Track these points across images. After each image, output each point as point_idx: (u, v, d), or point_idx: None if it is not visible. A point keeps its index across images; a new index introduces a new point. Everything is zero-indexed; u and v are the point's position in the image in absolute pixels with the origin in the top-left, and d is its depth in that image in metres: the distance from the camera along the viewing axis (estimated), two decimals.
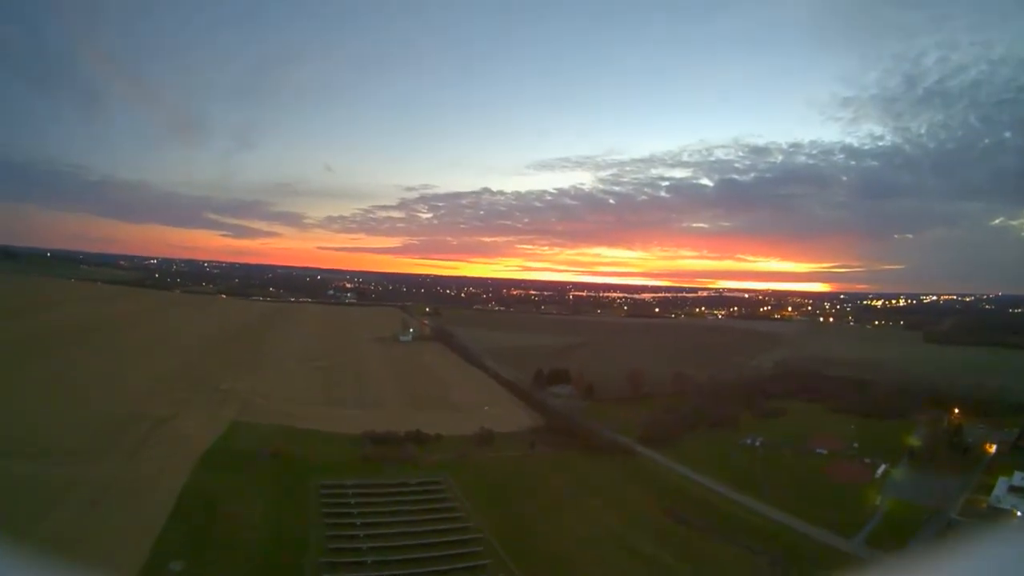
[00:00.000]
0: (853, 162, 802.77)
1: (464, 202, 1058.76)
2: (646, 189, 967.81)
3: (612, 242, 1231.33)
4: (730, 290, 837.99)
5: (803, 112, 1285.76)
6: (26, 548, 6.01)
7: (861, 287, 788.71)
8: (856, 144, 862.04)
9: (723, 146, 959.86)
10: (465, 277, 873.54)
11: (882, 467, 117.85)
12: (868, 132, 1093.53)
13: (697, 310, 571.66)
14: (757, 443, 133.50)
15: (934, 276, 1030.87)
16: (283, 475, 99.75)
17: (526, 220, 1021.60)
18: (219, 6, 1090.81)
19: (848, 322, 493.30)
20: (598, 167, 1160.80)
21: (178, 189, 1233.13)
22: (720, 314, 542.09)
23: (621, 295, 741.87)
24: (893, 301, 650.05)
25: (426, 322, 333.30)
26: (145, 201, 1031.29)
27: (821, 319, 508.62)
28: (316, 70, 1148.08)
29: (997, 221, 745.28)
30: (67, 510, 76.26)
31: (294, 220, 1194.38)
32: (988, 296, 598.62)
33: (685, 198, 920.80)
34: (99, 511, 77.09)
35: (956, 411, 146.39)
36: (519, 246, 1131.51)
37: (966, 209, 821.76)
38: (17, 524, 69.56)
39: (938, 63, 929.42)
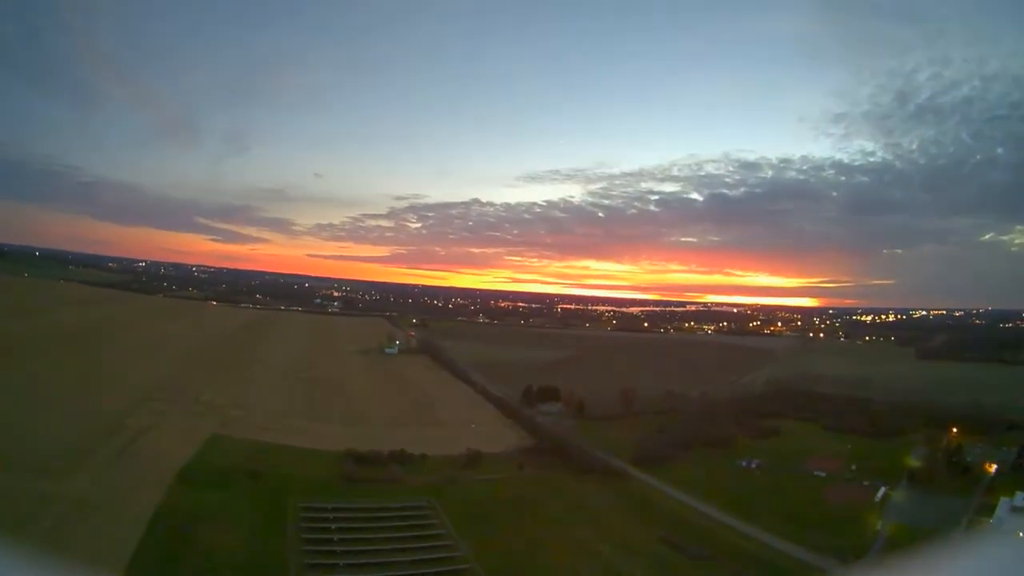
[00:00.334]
0: (843, 178, 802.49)
1: (453, 212, 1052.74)
2: (635, 203, 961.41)
3: (601, 255, 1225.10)
4: (718, 304, 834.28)
5: (794, 127, 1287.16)
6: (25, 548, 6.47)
7: (850, 302, 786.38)
8: (847, 160, 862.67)
9: (713, 161, 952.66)
10: (453, 288, 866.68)
11: (881, 490, 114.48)
12: (859, 148, 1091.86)
13: (686, 325, 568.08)
14: (753, 465, 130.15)
15: (923, 291, 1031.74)
16: (261, 495, 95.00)
17: (515, 232, 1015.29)
18: (214, 11, 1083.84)
19: (839, 338, 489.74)
20: (588, 180, 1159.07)
21: (168, 192, 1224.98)
22: (709, 329, 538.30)
23: (609, 308, 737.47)
24: (883, 316, 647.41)
25: (412, 333, 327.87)
26: (136, 203, 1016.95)
27: (811, 335, 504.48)
28: (308, 77, 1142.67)
29: (987, 236, 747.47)
30: (34, 531, 71.16)
31: (283, 227, 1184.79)
32: (978, 311, 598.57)
33: (674, 212, 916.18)
34: (64, 534, 72.32)
35: (954, 430, 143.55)
36: (508, 258, 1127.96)
37: (956, 225, 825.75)
38: None
39: (931, 79, 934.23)
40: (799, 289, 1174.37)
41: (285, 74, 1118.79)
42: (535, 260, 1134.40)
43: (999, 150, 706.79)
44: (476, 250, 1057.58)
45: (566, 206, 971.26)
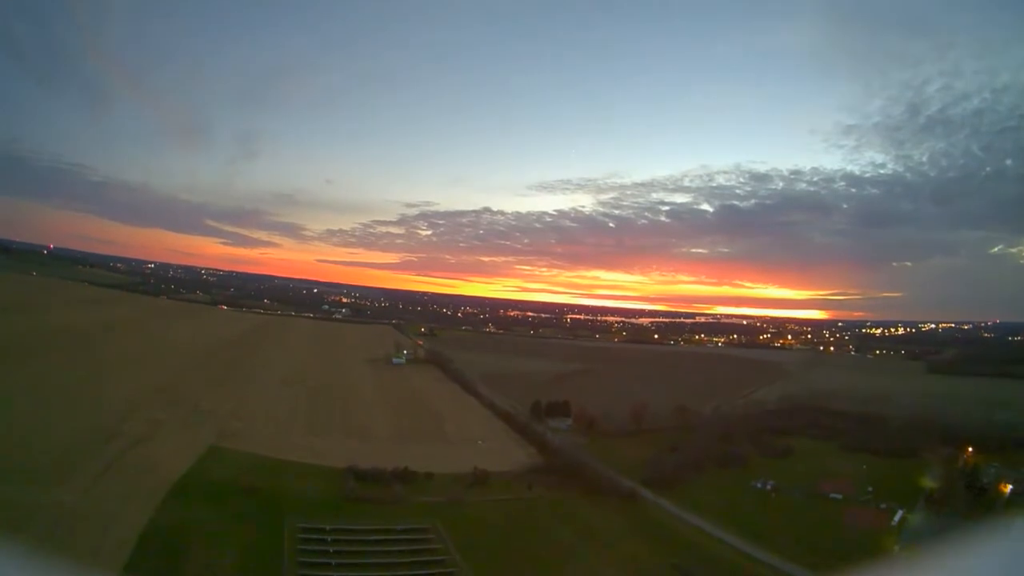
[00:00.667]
0: (854, 190, 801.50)
1: (464, 221, 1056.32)
2: (646, 213, 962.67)
3: (611, 265, 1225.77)
4: (728, 316, 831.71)
5: (805, 139, 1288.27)
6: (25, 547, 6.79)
7: (859, 315, 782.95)
8: (857, 172, 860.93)
9: (724, 172, 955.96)
10: (463, 296, 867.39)
11: (899, 513, 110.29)
12: (870, 160, 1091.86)
13: (696, 337, 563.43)
14: (768, 487, 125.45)
15: (932, 304, 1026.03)
16: (258, 513, 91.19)
17: (525, 241, 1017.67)
18: (227, 14, 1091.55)
19: (849, 351, 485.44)
20: (599, 190, 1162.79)
21: (179, 194, 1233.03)
22: (720, 341, 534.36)
23: (619, 319, 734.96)
24: (892, 330, 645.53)
25: (421, 342, 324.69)
26: (146, 204, 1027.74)
27: (822, 348, 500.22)
28: (321, 83, 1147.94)
29: (996, 249, 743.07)
30: (16, 542, 66.92)
31: (293, 231, 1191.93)
32: (987, 324, 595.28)
33: (685, 223, 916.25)
34: (49, 547, 68.43)
35: (970, 449, 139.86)
36: (518, 267, 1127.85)
37: (965, 237, 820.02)
38: None
39: (941, 91, 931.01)
40: (808, 301, 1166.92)
41: (297, 79, 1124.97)
42: (545, 269, 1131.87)
43: (1008, 162, 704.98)
44: (486, 258, 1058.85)
45: (577, 216, 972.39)
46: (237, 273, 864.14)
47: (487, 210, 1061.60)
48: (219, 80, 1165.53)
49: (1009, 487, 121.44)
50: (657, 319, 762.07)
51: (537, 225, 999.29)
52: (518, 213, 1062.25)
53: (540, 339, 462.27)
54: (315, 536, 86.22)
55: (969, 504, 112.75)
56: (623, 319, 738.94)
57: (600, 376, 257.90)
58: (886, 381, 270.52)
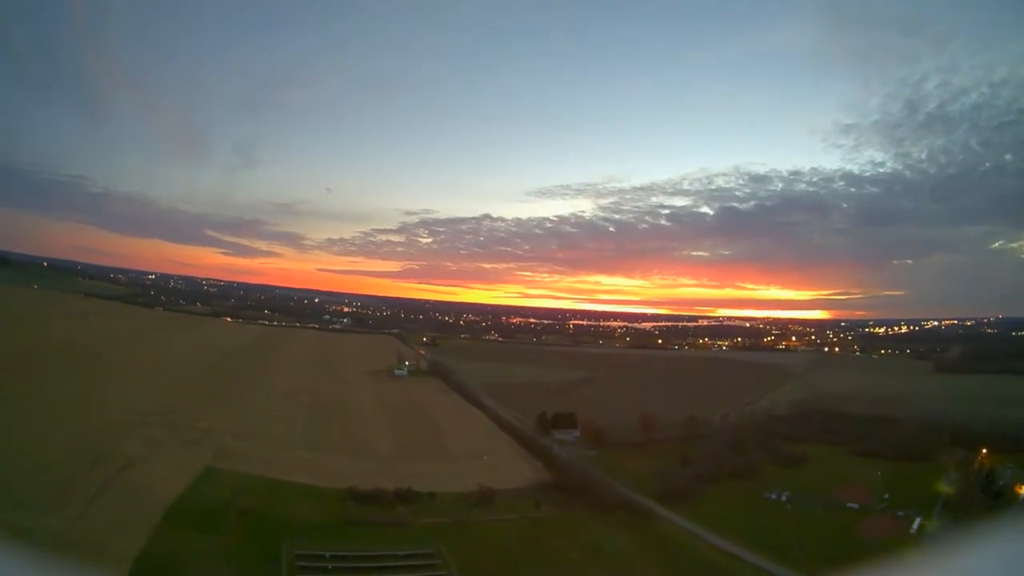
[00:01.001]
0: (853, 189, 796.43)
1: (464, 228, 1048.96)
2: (646, 217, 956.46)
3: (612, 270, 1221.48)
4: (730, 318, 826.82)
5: (804, 139, 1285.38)
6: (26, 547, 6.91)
7: (861, 314, 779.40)
8: (857, 171, 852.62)
9: (723, 174, 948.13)
10: (464, 303, 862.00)
11: (917, 520, 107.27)
12: (869, 159, 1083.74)
13: (701, 341, 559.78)
14: (783, 498, 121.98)
15: (934, 302, 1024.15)
16: (255, 538, 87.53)
17: (526, 247, 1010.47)
18: (224, 23, 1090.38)
19: (854, 352, 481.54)
20: (598, 195, 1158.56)
21: (179, 205, 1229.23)
22: (724, 345, 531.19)
23: (621, 324, 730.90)
24: (895, 328, 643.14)
25: (423, 352, 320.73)
26: (146, 215, 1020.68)
27: (826, 349, 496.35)
28: (318, 91, 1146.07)
29: (997, 244, 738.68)
30: None
31: (294, 241, 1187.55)
32: (989, 320, 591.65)
33: (685, 226, 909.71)
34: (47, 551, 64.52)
35: (984, 450, 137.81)
36: (519, 273, 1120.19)
37: (966, 233, 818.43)
38: None
39: (939, 87, 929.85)
40: (810, 302, 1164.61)
41: (295, 88, 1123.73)
42: (546, 275, 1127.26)
43: (1008, 156, 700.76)
44: (487, 265, 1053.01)
45: (577, 221, 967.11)
46: (238, 283, 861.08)
47: (487, 217, 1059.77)
48: (217, 90, 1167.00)
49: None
50: (660, 323, 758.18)
51: (537, 231, 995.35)
52: (518, 219, 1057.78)
53: (543, 346, 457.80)
54: (314, 563, 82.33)
55: (986, 508, 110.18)
56: (626, 324, 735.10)
57: (605, 384, 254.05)
58: (894, 382, 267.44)
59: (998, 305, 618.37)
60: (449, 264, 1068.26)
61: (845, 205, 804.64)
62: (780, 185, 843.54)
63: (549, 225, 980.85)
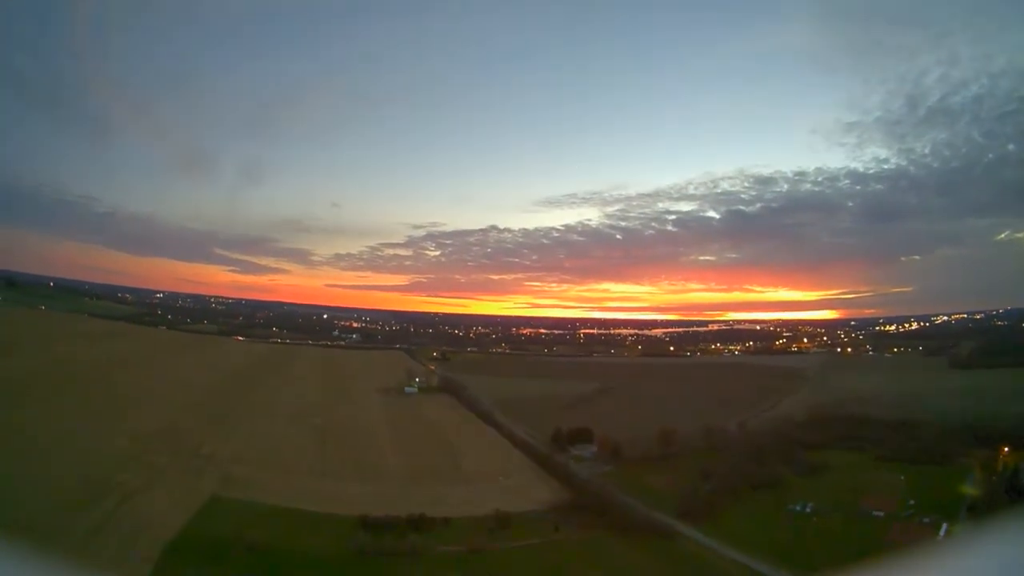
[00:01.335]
0: (859, 187, 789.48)
1: (471, 239, 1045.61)
2: (653, 223, 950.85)
3: (620, 277, 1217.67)
4: (740, 322, 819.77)
5: (808, 139, 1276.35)
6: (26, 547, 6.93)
7: (870, 312, 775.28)
8: (861, 169, 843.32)
9: (728, 177, 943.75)
10: (474, 315, 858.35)
11: (944, 527, 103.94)
12: (873, 156, 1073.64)
13: (712, 346, 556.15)
14: (808, 509, 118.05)
15: (943, 296, 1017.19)
16: (262, 573, 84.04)
17: (534, 257, 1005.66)
18: (229, 42, 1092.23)
19: (866, 351, 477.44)
20: (604, 203, 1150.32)
21: (186, 223, 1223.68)
22: (736, 349, 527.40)
23: (632, 331, 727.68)
24: (905, 325, 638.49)
25: (433, 367, 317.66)
26: (153, 234, 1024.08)
27: (839, 350, 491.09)
28: (323, 107, 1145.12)
29: (1003, 235, 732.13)
30: None
31: (301, 257, 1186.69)
32: (998, 311, 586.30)
33: (692, 231, 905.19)
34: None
35: (1006, 449, 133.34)
36: (527, 283, 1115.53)
37: (972, 226, 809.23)
38: None
39: (939, 81, 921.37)
40: (819, 302, 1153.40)
41: (300, 104, 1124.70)
42: (555, 285, 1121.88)
43: (1010, 146, 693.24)
44: (495, 276, 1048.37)
45: (584, 229, 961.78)
46: (246, 300, 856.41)
47: (494, 228, 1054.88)
48: (223, 109, 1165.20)
49: None
50: (670, 329, 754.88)
51: (545, 241, 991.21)
52: (525, 230, 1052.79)
53: (555, 357, 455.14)
54: None
55: (1012, 509, 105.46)
56: (636, 331, 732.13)
57: (619, 395, 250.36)
58: (910, 381, 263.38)
59: (1006, 297, 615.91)
60: (457, 276, 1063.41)
61: (851, 203, 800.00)
62: (785, 186, 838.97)
63: (556, 234, 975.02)
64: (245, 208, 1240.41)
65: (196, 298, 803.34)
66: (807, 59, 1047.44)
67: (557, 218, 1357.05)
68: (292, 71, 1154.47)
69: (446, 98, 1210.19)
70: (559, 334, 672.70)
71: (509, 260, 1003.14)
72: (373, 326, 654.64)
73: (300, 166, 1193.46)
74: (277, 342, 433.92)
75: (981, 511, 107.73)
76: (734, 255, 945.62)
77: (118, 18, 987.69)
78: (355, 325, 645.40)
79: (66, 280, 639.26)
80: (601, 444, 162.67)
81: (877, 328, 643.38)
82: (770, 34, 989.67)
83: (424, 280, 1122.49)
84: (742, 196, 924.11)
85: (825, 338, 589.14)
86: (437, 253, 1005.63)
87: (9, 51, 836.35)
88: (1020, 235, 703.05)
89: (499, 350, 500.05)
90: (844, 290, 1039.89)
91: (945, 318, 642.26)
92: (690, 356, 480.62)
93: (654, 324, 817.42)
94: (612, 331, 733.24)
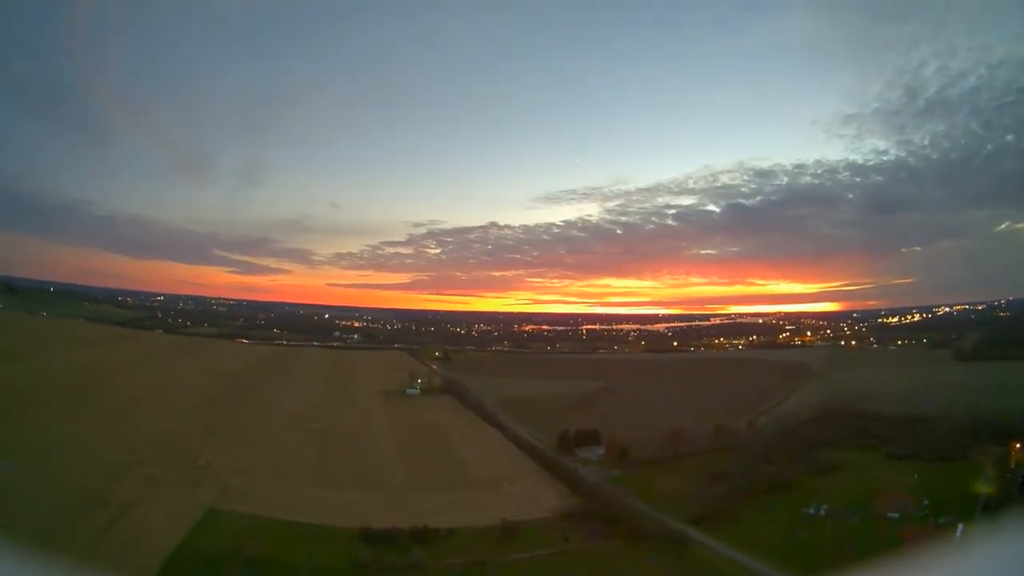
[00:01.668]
0: (858, 179, 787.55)
1: (472, 237, 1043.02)
2: (653, 218, 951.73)
3: (621, 272, 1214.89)
4: (742, 315, 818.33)
5: (807, 132, 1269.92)
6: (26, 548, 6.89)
7: (871, 304, 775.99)
8: (861, 160, 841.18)
9: (728, 171, 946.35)
10: (476, 312, 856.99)
11: (960, 527, 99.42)
12: (872, 147, 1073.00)
13: (716, 341, 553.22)
14: (823, 512, 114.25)
15: (944, 287, 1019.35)
16: None
17: (535, 253, 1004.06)
18: (226, 43, 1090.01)
19: (870, 344, 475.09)
20: (604, 198, 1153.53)
21: (186, 225, 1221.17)
22: (740, 344, 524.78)
23: (634, 326, 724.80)
24: (907, 316, 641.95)
25: (435, 367, 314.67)
26: (153, 236, 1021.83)
27: (842, 343, 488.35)
28: (321, 107, 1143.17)
29: (1003, 226, 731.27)
30: None
31: (302, 257, 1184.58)
32: (1000, 302, 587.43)
33: (692, 225, 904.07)
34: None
35: (1018, 446, 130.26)
36: (528, 279, 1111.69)
37: (972, 217, 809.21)
38: None
39: (938, 72, 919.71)
40: (821, 294, 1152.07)
41: (298, 104, 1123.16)
42: (556, 280, 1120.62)
43: (1009, 137, 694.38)
44: (496, 273, 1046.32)
45: (584, 225, 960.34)
46: (248, 301, 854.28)
47: (494, 225, 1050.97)
48: (220, 110, 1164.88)
49: None
50: (673, 323, 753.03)
51: (545, 237, 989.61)
52: (525, 226, 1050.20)
53: (558, 354, 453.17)
54: None
55: None
56: (639, 326, 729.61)
57: (625, 394, 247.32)
58: (917, 375, 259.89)
59: (1008, 287, 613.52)
60: (458, 274, 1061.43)
61: (851, 195, 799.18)
62: (785, 179, 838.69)
63: (556, 230, 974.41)
64: (245, 209, 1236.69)
65: (197, 300, 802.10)
66: (805, 51, 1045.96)
67: (557, 214, 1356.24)
68: (290, 71, 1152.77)
69: (444, 96, 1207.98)
70: (561, 330, 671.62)
71: (510, 257, 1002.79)
72: (375, 325, 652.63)
73: (300, 166, 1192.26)
74: (277, 344, 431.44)
75: (995, 510, 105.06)
76: (735, 249, 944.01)
77: (116, 20, 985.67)
78: (356, 325, 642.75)
79: (66, 284, 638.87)
80: (609, 446, 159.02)
81: (879, 320, 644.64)
82: (768, 27, 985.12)
83: (425, 278, 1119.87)
84: (742, 189, 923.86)
85: (828, 331, 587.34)
86: (438, 251, 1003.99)
87: (7, 55, 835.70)
88: (1020, 226, 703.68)
89: (501, 348, 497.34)
90: (845, 282, 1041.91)
91: (947, 309, 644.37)
92: (694, 351, 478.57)
93: (656, 319, 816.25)
94: (614, 327, 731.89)
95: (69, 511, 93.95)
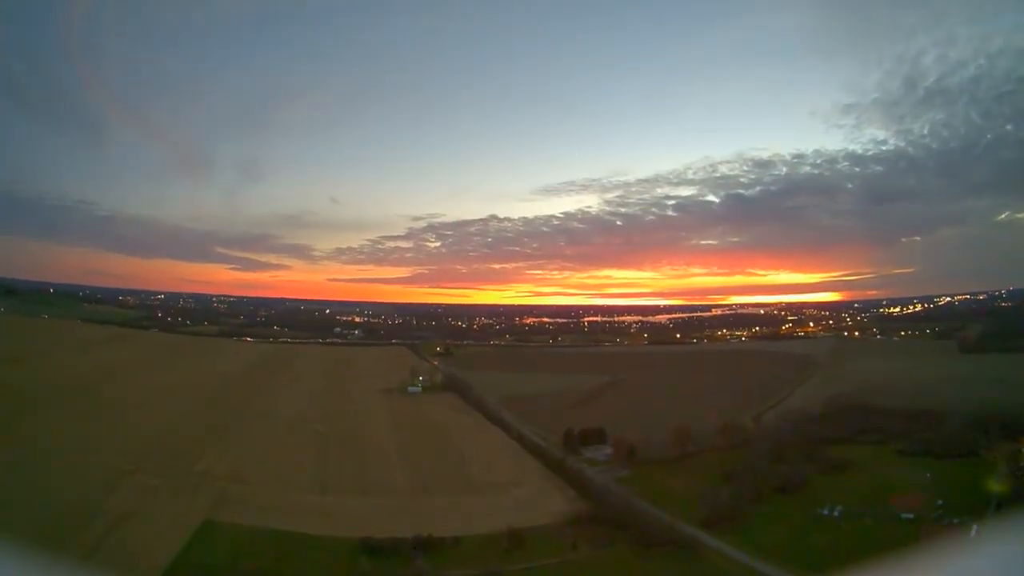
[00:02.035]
0: (858, 169, 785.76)
1: (472, 230, 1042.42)
2: (653, 209, 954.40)
3: (622, 263, 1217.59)
4: (743, 305, 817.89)
5: (806, 122, 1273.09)
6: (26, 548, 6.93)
7: (873, 293, 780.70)
8: (860, 150, 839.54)
9: (727, 161, 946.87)
10: (477, 305, 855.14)
11: (974, 528, 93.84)
12: (871, 137, 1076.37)
13: (719, 332, 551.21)
14: (836, 513, 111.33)
15: (945, 277, 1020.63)
16: None
17: (535, 245, 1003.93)
18: (223, 40, 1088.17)
19: (874, 335, 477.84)
20: (604, 189, 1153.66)
21: (186, 223, 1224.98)
22: (743, 335, 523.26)
23: (635, 317, 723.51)
24: (909, 307, 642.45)
25: (436, 363, 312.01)
26: (153, 235, 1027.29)
27: (846, 334, 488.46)
28: (319, 102, 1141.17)
29: (1003, 216, 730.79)
30: None
31: (303, 252, 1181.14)
32: (1001, 292, 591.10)
33: (692, 216, 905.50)
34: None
35: None
36: (529, 272, 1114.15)
37: (972, 206, 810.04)
38: None
39: (937, 61, 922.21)
40: (822, 284, 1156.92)
41: (296, 100, 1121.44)
42: (556, 272, 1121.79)
43: (1009, 127, 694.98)
44: (497, 266, 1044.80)
45: (584, 217, 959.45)
46: (249, 298, 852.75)
47: (494, 217, 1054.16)
48: (218, 107, 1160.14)
49: None
50: (674, 314, 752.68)
51: (545, 229, 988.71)
52: (525, 218, 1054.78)
53: (560, 347, 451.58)
54: None
55: None
56: (640, 317, 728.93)
57: (629, 389, 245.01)
58: (922, 367, 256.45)
59: (1009, 277, 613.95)
60: (459, 267, 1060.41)
61: (850, 185, 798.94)
62: (784, 169, 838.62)
63: (556, 222, 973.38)
64: (245, 206, 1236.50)
65: (198, 297, 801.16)
66: (804, 41, 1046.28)
67: (557, 206, 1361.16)
68: (288, 68, 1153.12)
69: (442, 89, 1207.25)
70: (562, 322, 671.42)
71: (510, 249, 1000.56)
72: (376, 320, 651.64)
73: (299, 161, 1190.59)
74: (277, 341, 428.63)
75: (1010, 507, 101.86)
76: (735, 239, 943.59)
77: (113, 20, 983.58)
78: (357, 320, 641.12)
79: (67, 285, 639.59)
80: (615, 445, 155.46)
81: (881, 310, 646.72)
82: (767, 17, 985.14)
83: (426, 271, 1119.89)
84: (741, 180, 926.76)
85: (831, 321, 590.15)
86: (438, 244, 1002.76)
87: (5, 57, 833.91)
88: (1021, 215, 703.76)
89: (503, 342, 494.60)
90: (846, 272, 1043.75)
91: (949, 299, 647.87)
92: (696, 343, 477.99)
93: (657, 310, 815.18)
94: (615, 318, 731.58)
95: (65, 521, 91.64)
